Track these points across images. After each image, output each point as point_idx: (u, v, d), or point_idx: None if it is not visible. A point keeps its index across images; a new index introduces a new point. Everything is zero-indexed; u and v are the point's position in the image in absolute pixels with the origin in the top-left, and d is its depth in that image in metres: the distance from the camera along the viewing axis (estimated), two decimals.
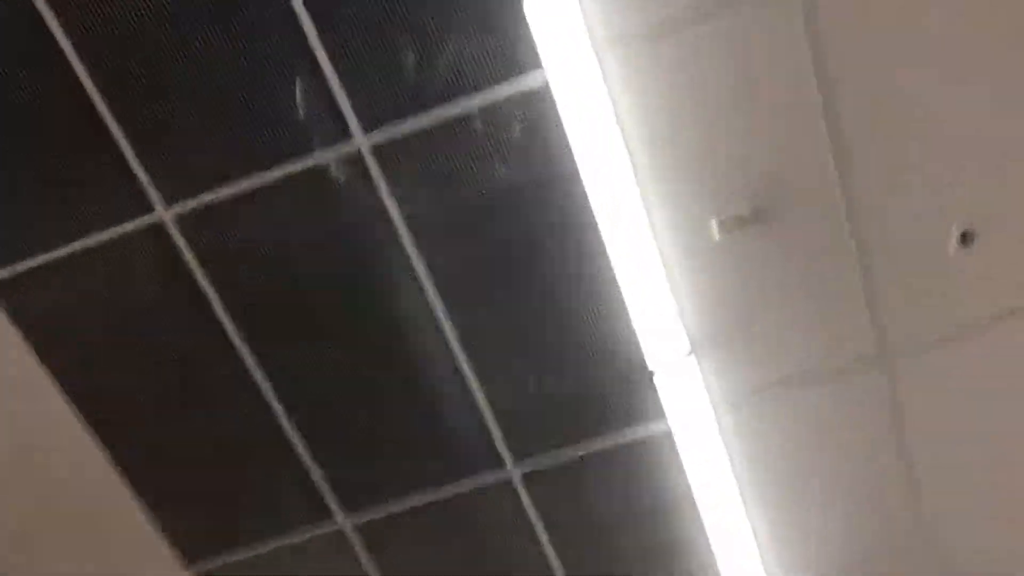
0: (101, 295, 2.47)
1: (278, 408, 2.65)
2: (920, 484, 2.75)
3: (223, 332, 2.52)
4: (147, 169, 2.32)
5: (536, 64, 2.20)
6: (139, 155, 2.30)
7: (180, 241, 2.40)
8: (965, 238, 2.42)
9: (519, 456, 2.76)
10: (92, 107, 2.25)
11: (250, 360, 2.57)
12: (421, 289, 2.49)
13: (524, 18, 2.15)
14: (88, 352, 2.56)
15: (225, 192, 2.34)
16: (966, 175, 2.33)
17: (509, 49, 2.19)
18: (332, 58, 2.20)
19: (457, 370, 2.62)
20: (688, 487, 2.74)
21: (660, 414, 2.67)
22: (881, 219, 2.38)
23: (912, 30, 2.16)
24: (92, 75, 2.21)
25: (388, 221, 2.39)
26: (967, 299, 2.48)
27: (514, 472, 2.78)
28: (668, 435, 2.69)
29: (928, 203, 2.36)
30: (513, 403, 2.68)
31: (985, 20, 2.15)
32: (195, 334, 2.53)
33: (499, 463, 2.77)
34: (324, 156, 2.30)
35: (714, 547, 2.84)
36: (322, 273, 2.46)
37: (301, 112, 2.27)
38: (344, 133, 2.28)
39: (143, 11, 2.15)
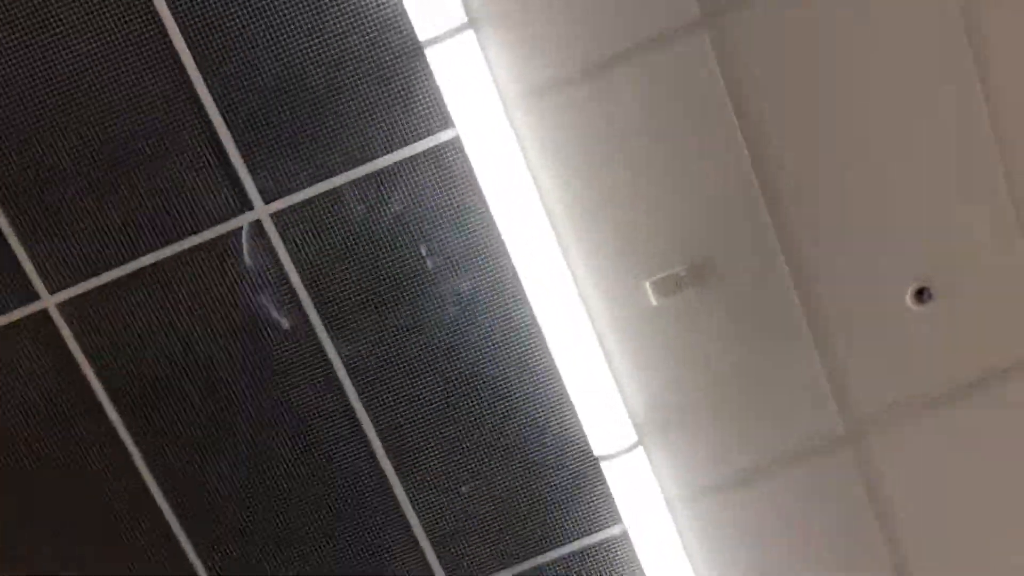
0: None
1: (172, 518, 2.33)
2: (907, 567, 2.41)
3: (111, 427, 2.26)
4: (32, 256, 2.15)
5: (447, 124, 2.10)
6: (24, 242, 2.14)
7: (65, 330, 2.18)
8: (921, 295, 2.24)
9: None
10: None
11: (140, 460, 2.29)
12: (339, 386, 2.26)
13: (431, 77, 2.07)
14: None
15: (113, 274, 2.16)
16: (916, 225, 2.19)
17: (417, 109, 2.09)
18: (231, 130, 2.09)
19: (382, 478, 2.34)
20: None
21: (613, 516, 2.37)
22: (828, 273, 2.21)
23: (844, 70, 2.08)
24: None
25: (295, 300, 2.20)
26: (934, 360, 2.27)
27: None
28: (624, 537, 2.38)
29: (878, 257, 2.21)
30: (448, 520, 2.38)
31: (927, 60, 2.09)
32: (82, 428, 2.26)
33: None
34: (217, 231, 2.14)
35: None
36: (223, 360, 2.23)
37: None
38: (243, 204, 2.13)
39: (25, 100, 2.05)
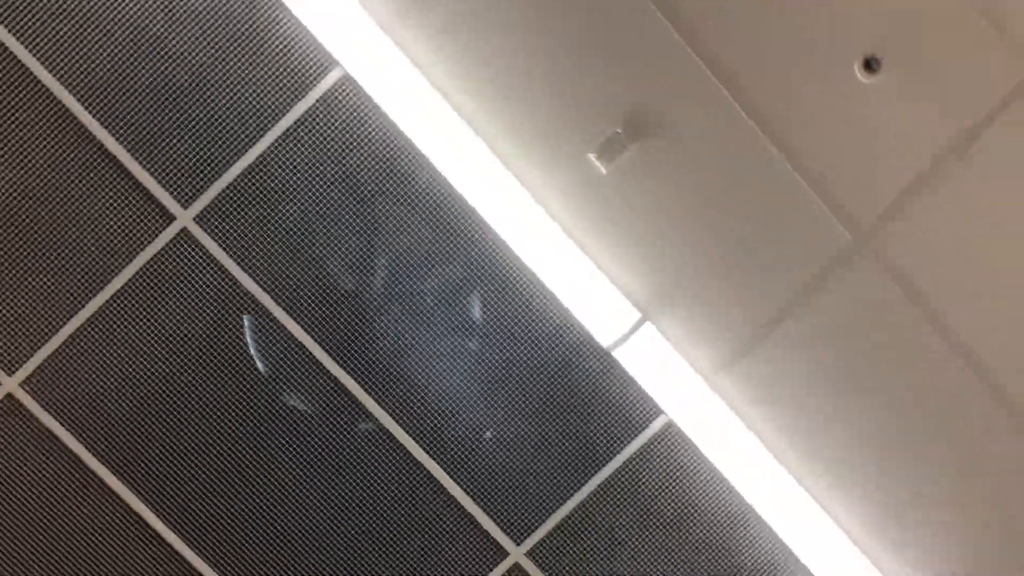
0: None
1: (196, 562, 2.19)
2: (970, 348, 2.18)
3: (107, 489, 2.14)
4: None
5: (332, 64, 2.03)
6: None
7: (34, 406, 2.10)
8: (869, 65, 2.10)
9: (518, 533, 2.25)
10: None
11: (149, 515, 2.16)
12: (324, 371, 2.15)
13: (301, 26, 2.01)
14: None
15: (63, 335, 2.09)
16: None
17: (297, 63, 2.03)
18: (131, 151, 2.04)
19: (404, 453, 2.20)
20: (711, 472, 2.20)
21: (651, 410, 2.20)
22: (773, 84, 2.07)
23: None
24: None
25: (243, 291, 2.10)
26: (908, 138, 2.10)
27: (518, 553, 2.25)
28: (669, 426, 2.20)
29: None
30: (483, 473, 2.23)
31: None
32: (74, 495, 2.16)
33: (499, 552, 2.25)
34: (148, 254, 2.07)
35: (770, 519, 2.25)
36: (196, 379, 2.13)
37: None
38: (164, 218, 2.06)
39: None
